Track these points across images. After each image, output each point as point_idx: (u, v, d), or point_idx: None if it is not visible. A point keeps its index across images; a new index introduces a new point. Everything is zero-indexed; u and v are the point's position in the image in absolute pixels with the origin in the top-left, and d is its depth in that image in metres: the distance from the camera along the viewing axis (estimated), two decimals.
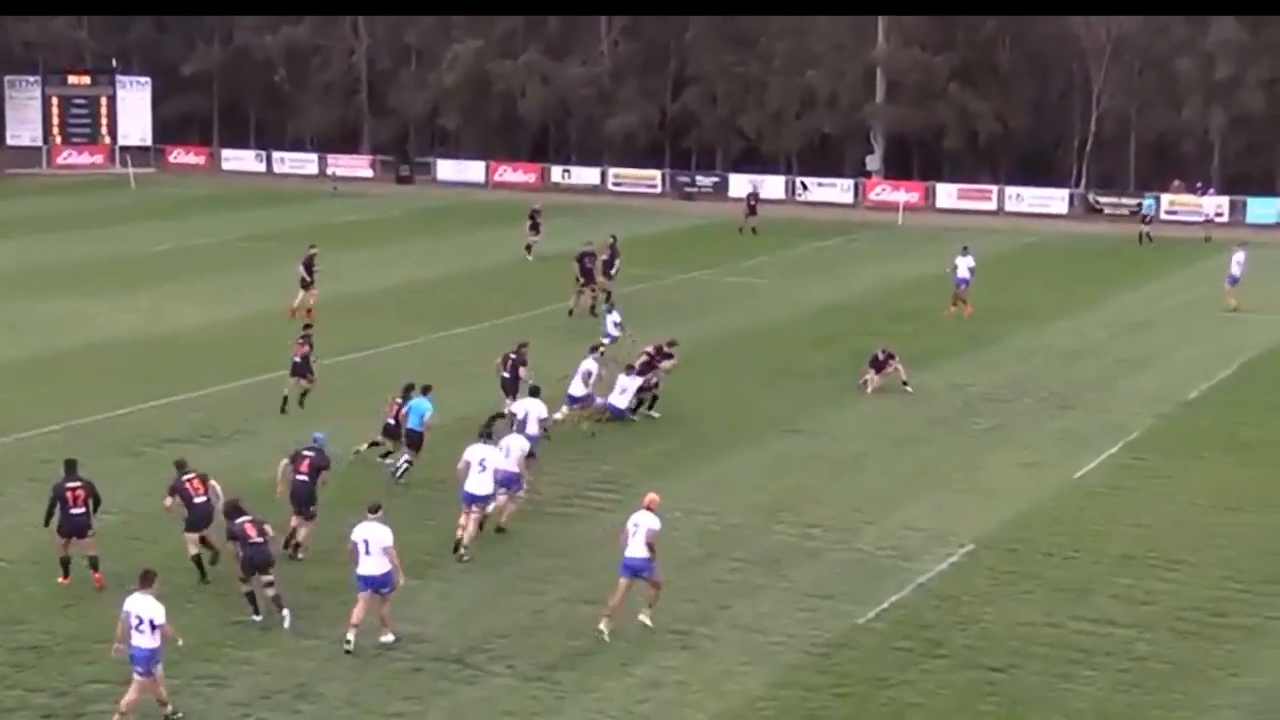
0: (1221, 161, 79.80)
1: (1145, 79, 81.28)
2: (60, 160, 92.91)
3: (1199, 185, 75.75)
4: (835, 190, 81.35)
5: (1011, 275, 57.31)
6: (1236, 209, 74.39)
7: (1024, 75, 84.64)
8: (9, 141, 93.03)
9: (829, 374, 40.77)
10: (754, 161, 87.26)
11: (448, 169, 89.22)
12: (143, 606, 20.20)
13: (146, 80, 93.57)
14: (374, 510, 23.31)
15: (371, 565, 22.91)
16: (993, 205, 78.34)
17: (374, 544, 22.91)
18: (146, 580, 20.49)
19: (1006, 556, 27.17)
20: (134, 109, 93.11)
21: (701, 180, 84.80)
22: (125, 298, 50.66)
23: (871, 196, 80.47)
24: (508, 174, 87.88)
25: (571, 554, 26.76)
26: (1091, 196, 77.69)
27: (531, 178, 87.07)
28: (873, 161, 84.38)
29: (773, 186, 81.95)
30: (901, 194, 78.80)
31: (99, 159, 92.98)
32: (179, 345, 43.68)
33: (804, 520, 28.95)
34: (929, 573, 26.38)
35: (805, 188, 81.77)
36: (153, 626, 20.10)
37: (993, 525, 28.70)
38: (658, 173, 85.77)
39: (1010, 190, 78.99)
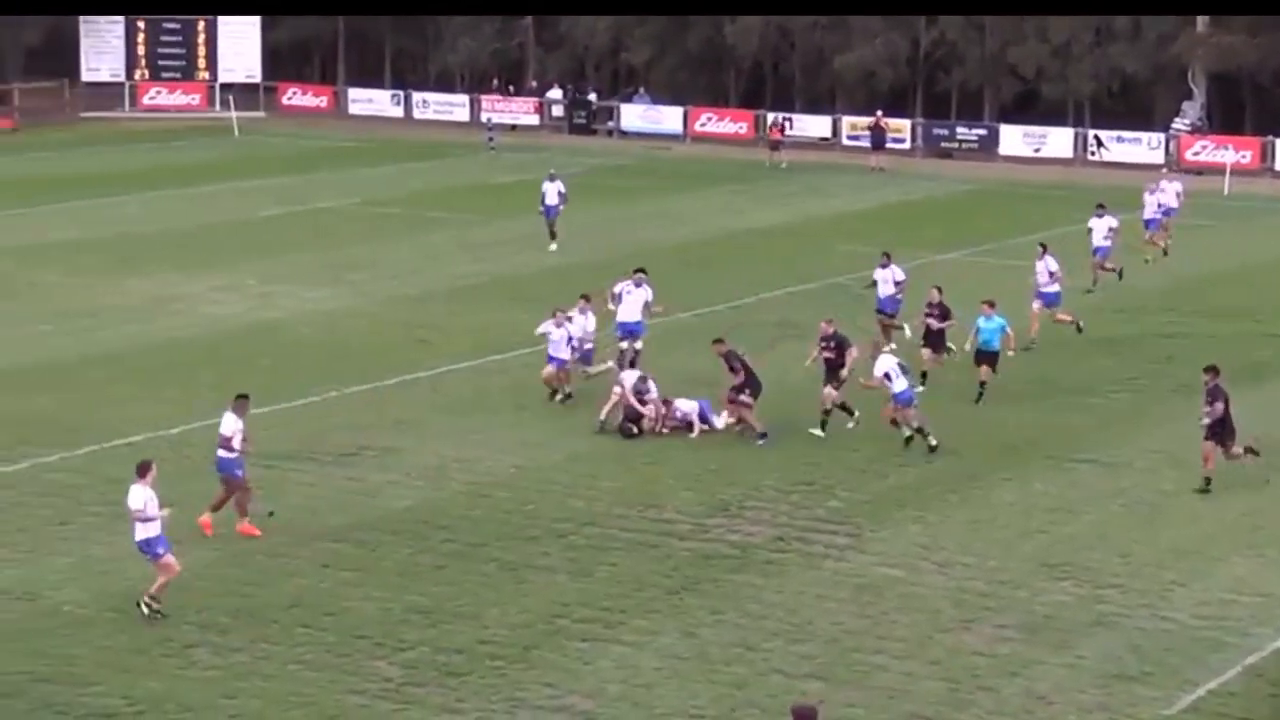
0: None
1: None
2: (146, 100, 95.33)
3: None
4: (1140, 148, 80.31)
5: None
6: None
7: None
8: (84, 76, 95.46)
9: (1123, 386, 40.37)
10: (1031, 110, 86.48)
11: (634, 116, 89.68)
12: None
13: None
14: None
15: None
16: None
17: None
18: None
19: None
20: (238, 37, 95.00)
21: (963, 133, 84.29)
22: (224, 276, 51.74)
23: (1189, 156, 79.37)
24: (712, 123, 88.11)
25: (787, 611, 26.71)
26: None
27: (742, 128, 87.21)
28: (1190, 110, 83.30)
29: (1057, 142, 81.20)
30: (1229, 153, 77.61)
31: (194, 99, 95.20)
32: (287, 338, 44.50)
33: (1094, 578, 28.61)
34: (1262, 651, 25.87)
35: (1100, 144, 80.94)
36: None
37: None
38: (906, 123, 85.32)
39: None
